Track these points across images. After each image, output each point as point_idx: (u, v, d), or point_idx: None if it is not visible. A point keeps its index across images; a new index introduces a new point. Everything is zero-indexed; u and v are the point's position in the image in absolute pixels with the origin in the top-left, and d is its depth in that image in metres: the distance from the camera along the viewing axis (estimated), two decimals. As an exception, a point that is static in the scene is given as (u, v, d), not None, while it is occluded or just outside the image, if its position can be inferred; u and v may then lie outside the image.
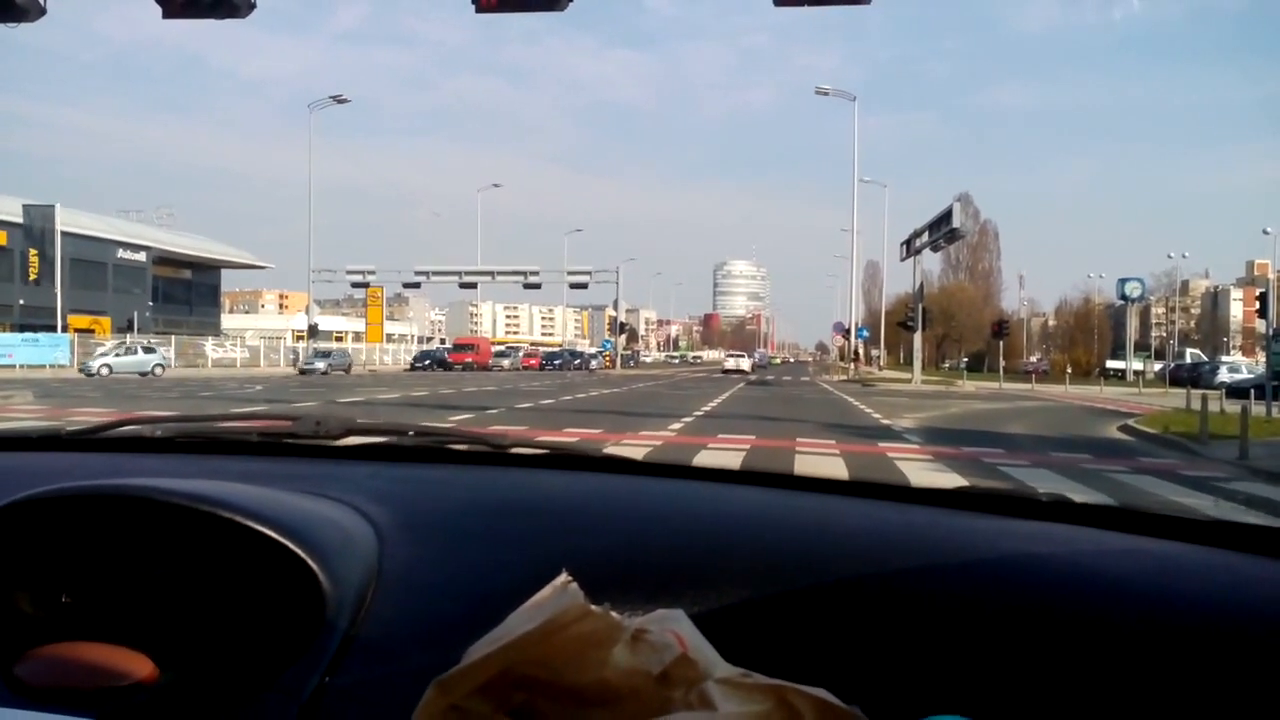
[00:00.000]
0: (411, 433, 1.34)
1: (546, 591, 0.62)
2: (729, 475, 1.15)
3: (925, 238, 36.25)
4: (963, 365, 75.75)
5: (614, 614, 0.61)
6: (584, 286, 57.15)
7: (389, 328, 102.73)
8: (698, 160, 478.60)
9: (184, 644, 0.77)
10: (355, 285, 55.60)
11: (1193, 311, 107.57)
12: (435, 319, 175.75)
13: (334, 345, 56.60)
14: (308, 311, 55.97)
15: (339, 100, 51.07)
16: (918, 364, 37.79)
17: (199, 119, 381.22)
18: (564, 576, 0.63)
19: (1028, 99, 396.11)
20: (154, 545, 0.82)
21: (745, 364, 58.98)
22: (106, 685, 0.71)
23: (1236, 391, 31.89)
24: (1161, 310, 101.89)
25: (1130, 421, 17.03)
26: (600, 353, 69.53)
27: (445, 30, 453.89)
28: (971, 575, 0.76)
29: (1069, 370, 56.40)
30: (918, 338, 37.17)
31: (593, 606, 0.60)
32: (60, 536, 0.83)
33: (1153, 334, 55.22)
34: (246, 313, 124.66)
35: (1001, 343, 41.10)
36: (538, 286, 56.24)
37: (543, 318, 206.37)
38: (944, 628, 0.70)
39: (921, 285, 37.67)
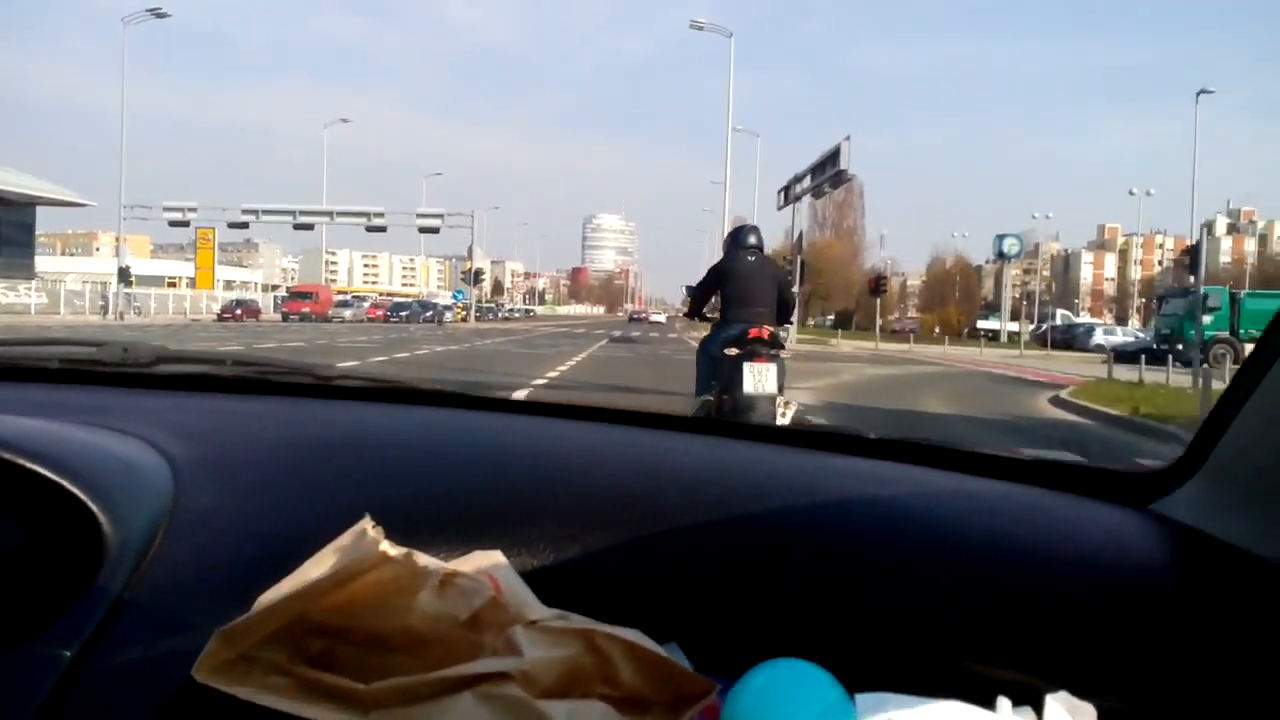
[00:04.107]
0: (229, 361, 1.25)
1: (346, 538, 0.60)
2: (558, 410, 1.11)
3: (807, 182, 32.97)
4: (828, 323, 74.30)
5: (421, 558, 0.60)
6: (435, 231, 52.36)
7: (233, 274, 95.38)
8: (568, 111, 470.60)
9: None
10: (173, 224, 49.69)
11: (1044, 274, 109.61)
12: (288, 267, 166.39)
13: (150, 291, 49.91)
14: (117, 253, 49.71)
15: (158, 14, 44.89)
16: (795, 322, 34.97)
17: (30, 47, 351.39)
18: (366, 521, 0.60)
19: (891, 61, 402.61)
20: None
21: (661, 318, 75.26)
22: None
23: (1123, 356, 30.29)
24: (1016, 271, 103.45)
25: (1062, 394, 14.08)
26: (453, 304, 63.96)
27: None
28: (794, 515, 0.77)
29: (936, 330, 55.02)
30: (795, 293, 34.31)
31: (392, 552, 0.58)
32: None
33: (1005, 294, 54.02)
34: (77, 255, 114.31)
35: (879, 301, 38.63)
36: (382, 229, 51.37)
37: (403, 268, 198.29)
38: (766, 568, 0.71)
39: (801, 235, 34.59)
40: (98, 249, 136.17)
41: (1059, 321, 51.44)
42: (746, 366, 5.83)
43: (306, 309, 51.28)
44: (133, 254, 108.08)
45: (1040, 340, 40.72)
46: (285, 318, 50.81)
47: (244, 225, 51.03)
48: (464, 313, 58.89)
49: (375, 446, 0.90)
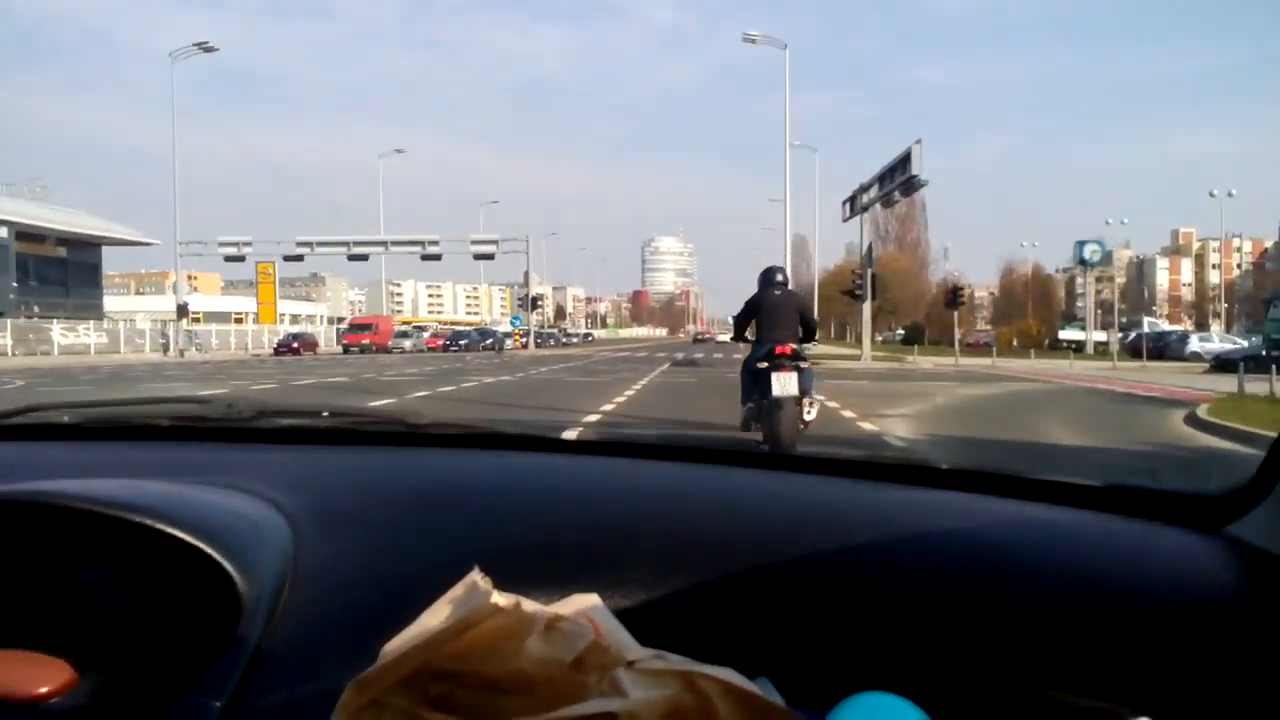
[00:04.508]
0: (325, 413, 1.33)
1: (459, 589, 0.64)
2: (638, 450, 1.17)
3: (875, 191, 30.73)
4: (897, 338, 71.64)
5: (527, 604, 0.63)
6: (490, 257, 51.43)
7: (299, 308, 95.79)
8: (622, 137, 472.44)
9: (102, 649, 0.75)
10: (229, 259, 49.21)
11: (1117, 281, 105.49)
12: (355, 299, 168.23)
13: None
14: (175, 290, 49.49)
15: (205, 49, 44.85)
16: (868, 338, 32.61)
17: (110, 95, 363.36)
18: (476, 573, 0.64)
19: (944, 75, 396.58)
20: (63, 547, 0.81)
21: (727, 339, 73.69)
22: (24, 695, 0.70)
23: (1228, 365, 27.75)
24: (1089, 280, 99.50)
25: (1199, 413, 12.07)
26: (511, 332, 61.91)
27: (368, 3, 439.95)
28: (875, 550, 0.79)
29: (1014, 342, 52.30)
30: (867, 308, 31.64)
31: (503, 602, 0.61)
32: None
33: (1089, 303, 51.04)
34: (149, 294, 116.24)
35: (956, 314, 36.37)
36: (438, 258, 50.42)
37: (467, 297, 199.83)
38: (849, 603, 0.74)
39: (870, 247, 32.27)
40: (171, 287, 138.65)
41: (1146, 329, 48.52)
42: (774, 376, 7.55)
43: (367, 340, 51.04)
44: (202, 292, 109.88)
45: (1132, 350, 37.99)
46: (346, 350, 50.62)
47: (299, 258, 50.39)
48: (522, 339, 57.51)
49: (470, 494, 0.95)
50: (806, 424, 7.93)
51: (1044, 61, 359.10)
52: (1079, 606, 0.71)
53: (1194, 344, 40.42)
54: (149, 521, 0.77)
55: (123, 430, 1.28)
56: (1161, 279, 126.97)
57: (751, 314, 8.17)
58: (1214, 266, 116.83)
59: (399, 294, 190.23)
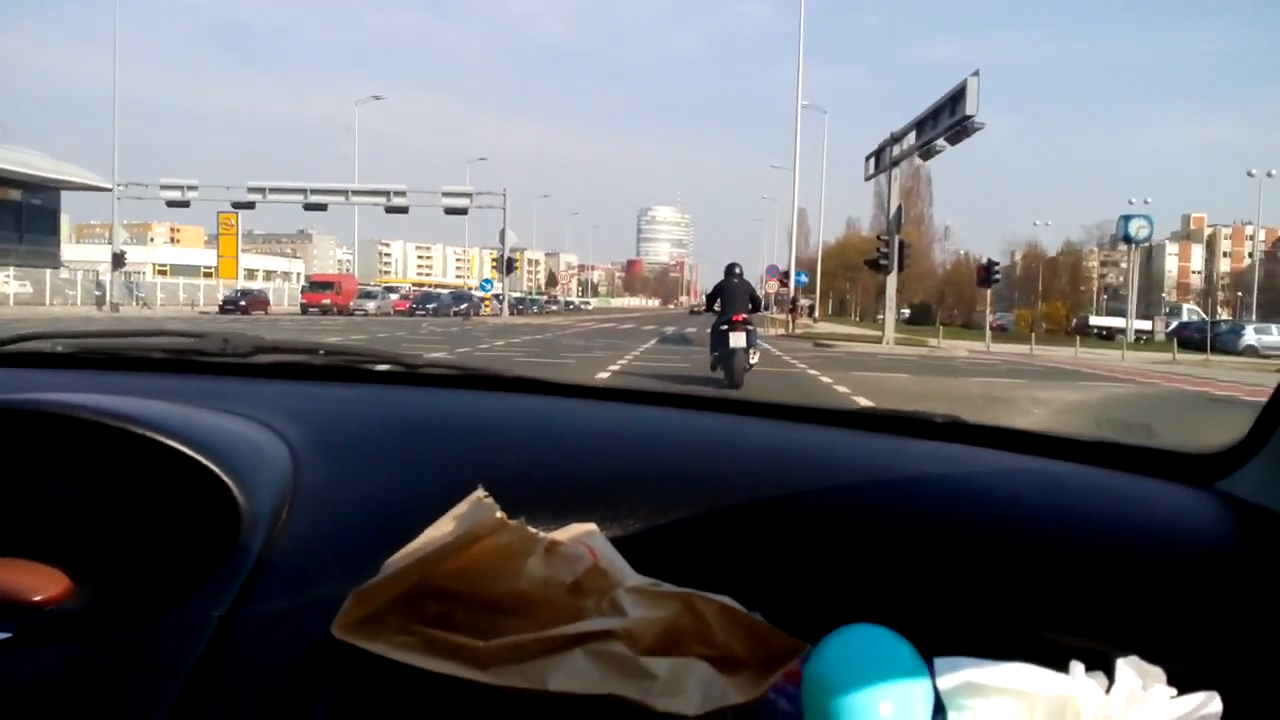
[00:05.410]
0: (322, 351, 1.33)
1: (463, 506, 0.65)
2: (637, 396, 1.18)
3: (911, 140, 25.29)
4: (902, 317, 66.90)
5: (529, 528, 0.64)
6: (463, 212, 45.91)
7: (276, 264, 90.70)
8: (623, 104, 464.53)
9: (99, 560, 0.76)
10: (171, 204, 43.82)
11: (1122, 265, 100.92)
12: (343, 258, 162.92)
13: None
14: (111, 238, 44.47)
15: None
16: (891, 317, 27.31)
17: (101, 46, 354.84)
18: (480, 491, 0.65)
19: (951, 52, 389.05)
20: (63, 461, 0.81)
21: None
22: (20, 600, 0.71)
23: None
24: (1093, 264, 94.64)
25: None
26: (484, 296, 55.65)
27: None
28: (869, 493, 0.81)
29: (1040, 326, 47.69)
30: (892, 280, 26.37)
31: (508, 519, 0.62)
32: None
33: (1132, 285, 46.41)
34: (130, 245, 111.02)
35: (989, 294, 31.66)
36: (404, 210, 45.16)
37: (457, 259, 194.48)
38: (844, 543, 0.75)
39: (900, 208, 27.15)
40: (151, 239, 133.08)
41: (1185, 317, 43.98)
42: (730, 334, 11.76)
43: (327, 300, 46.17)
44: (184, 245, 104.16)
45: (1180, 341, 33.37)
46: (304, 310, 45.81)
47: (250, 205, 45.02)
48: (494, 305, 51.83)
49: (468, 428, 0.96)
50: (751, 365, 12.02)
51: (1053, 42, 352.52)
52: (1070, 551, 0.72)
53: (1249, 336, 36.03)
54: (149, 434, 0.77)
55: (116, 361, 1.26)
56: (1170, 265, 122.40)
57: (718, 295, 12.43)
58: (1224, 254, 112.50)
59: (388, 254, 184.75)
